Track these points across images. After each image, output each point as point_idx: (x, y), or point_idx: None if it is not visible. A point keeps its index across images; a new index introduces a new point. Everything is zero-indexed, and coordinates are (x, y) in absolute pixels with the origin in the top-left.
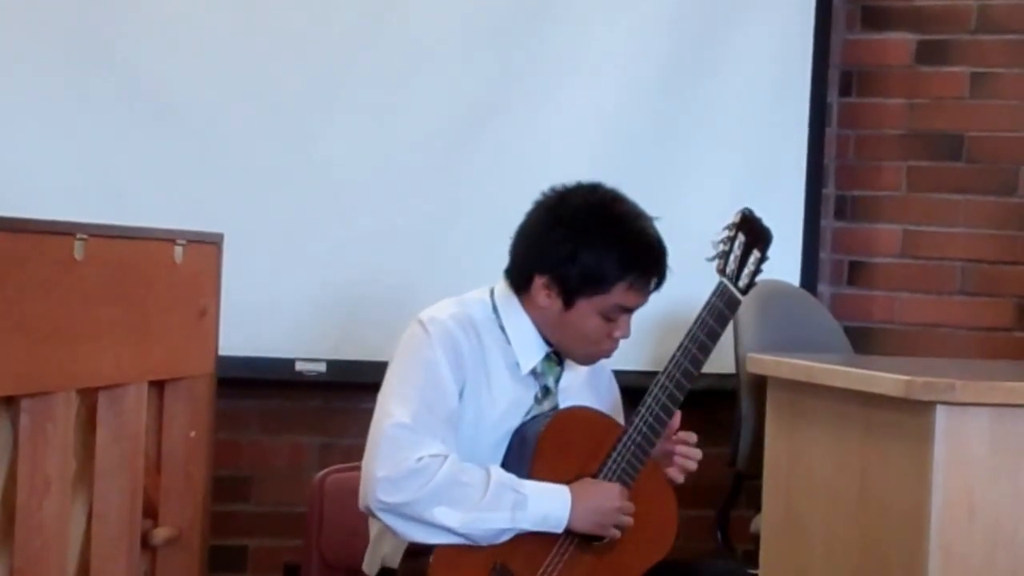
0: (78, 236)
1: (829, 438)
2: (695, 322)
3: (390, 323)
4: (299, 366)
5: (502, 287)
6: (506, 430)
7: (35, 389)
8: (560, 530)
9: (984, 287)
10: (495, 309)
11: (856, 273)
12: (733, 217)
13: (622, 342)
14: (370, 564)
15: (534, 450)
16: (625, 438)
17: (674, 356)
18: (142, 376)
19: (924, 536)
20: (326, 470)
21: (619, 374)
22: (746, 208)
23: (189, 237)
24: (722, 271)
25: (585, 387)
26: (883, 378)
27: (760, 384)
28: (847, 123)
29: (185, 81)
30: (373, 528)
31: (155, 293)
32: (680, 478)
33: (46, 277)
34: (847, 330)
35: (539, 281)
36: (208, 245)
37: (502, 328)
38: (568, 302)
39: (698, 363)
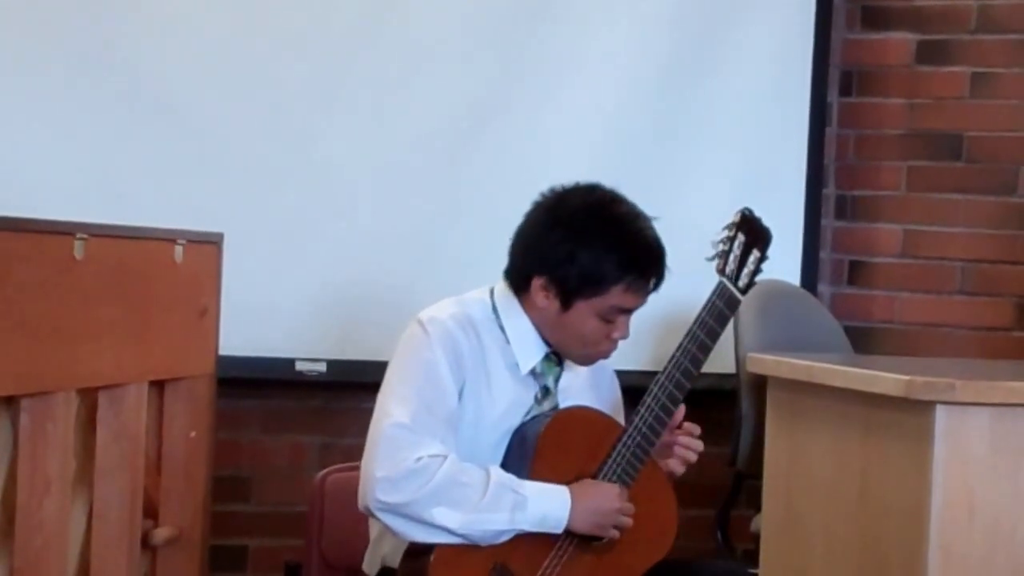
0: (78, 236)
1: (829, 438)
2: (695, 322)
3: (390, 323)
4: (299, 366)
5: (502, 287)
6: (506, 430)
7: (35, 389)
8: (560, 531)
9: (984, 287)
10: (495, 309)
11: (856, 273)
12: (733, 217)
13: (622, 342)
14: (370, 564)
15: (534, 450)
16: (625, 437)
17: (674, 356)
18: (142, 376)
19: (924, 535)
20: (326, 470)
21: (619, 374)
22: (746, 208)
23: (189, 237)
24: (722, 271)
25: (586, 387)
26: (883, 378)
27: (760, 384)
28: (847, 123)
29: (185, 81)
30: (373, 528)
31: (155, 293)
32: (680, 469)
33: (46, 277)
34: (847, 330)
35: (537, 282)
36: (208, 245)
37: (501, 328)
38: (566, 303)
39: (698, 363)
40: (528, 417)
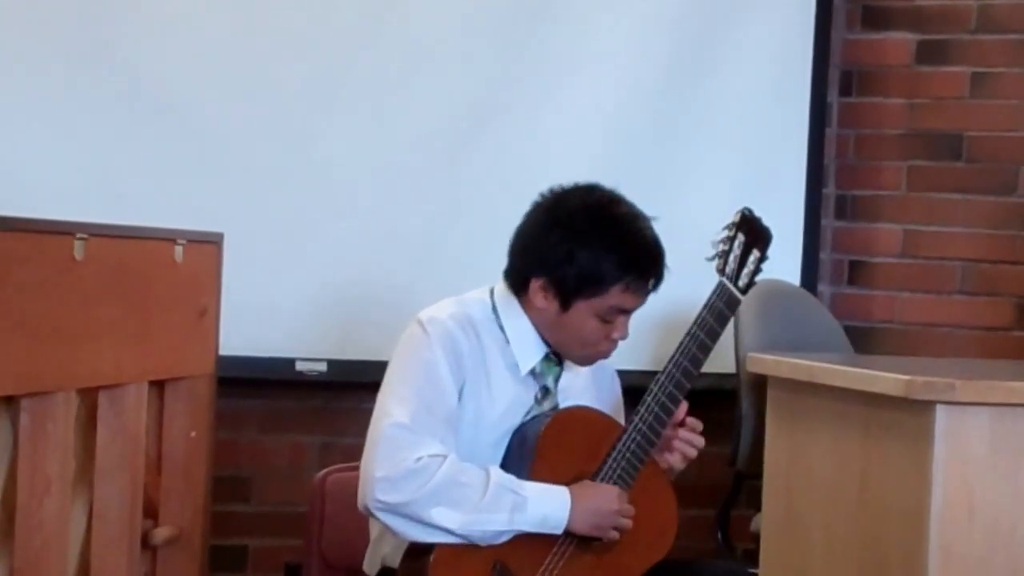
0: (78, 236)
1: (829, 438)
2: (695, 322)
3: (390, 323)
4: (299, 366)
5: (502, 287)
6: (506, 430)
7: (35, 389)
8: (559, 531)
9: (984, 287)
10: (494, 309)
11: (856, 273)
12: (733, 217)
13: (622, 342)
14: (370, 564)
15: (534, 450)
16: (625, 437)
17: (674, 356)
18: (142, 376)
19: (924, 535)
20: (327, 470)
21: (619, 374)
22: (746, 208)
23: (189, 237)
24: (722, 271)
25: (586, 387)
26: (883, 378)
27: (760, 384)
28: (847, 123)
29: (185, 81)
30: (374, 528)
31: (155, 293)
32: (680, 465)
33: (46, 277)
34: (847, 330)
35: (536, 283)
36: (208, 245)
37: (501, 328)
38: (565, 304)
39: (698, 362)
40: (528, 417)
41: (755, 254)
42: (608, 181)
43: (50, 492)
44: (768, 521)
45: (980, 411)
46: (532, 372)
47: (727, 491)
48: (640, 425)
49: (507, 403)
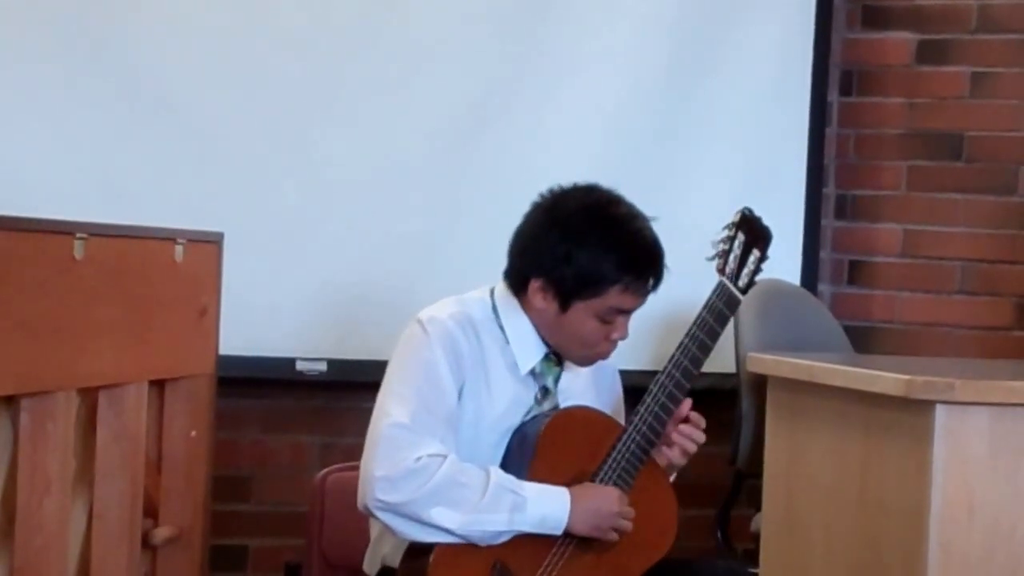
0: (78, 236)
1: (829, 437)
2: (695, 321)
3: (390, 322)
4: (300, 365)
5: (502, 287)
6: (505, 429)
7: (35, 388)
8: (559, 532)
9: (984, 287)
10: (495, 309)
11: (856, 272)
12: (733, 216)
13: (621, 342)
14: (371, 563)
15: (533, 450)
16: (625, 437)
17: (674, 355)
18: (142, 375)
19: (924, 534)
20: (327, 469)
21: (619, 374)
22: (746, 207)
23: (189, 236)
24: (722, 271)
25: (587, 387)
26: (883, 377)
27: (760, 383)
28: (847, 122)
29: (185, 81)
30: (374, 528)
31: (155, 292)
32: (680, 460)
33: (46, 277)
34: (847, 329)
35: (535, 284)
36: (208, 244)
37: (501, 328)
38: (564, 305)
39: (698, 362)
40: (528, 417)
41: (755, 254)
42: (608, 181)
43: (50, 492)
44: (768, 521)
45: (980, 411)
46: (532, 372)
47: (727, 491)
48: (640, 425)
49: (507, 403)
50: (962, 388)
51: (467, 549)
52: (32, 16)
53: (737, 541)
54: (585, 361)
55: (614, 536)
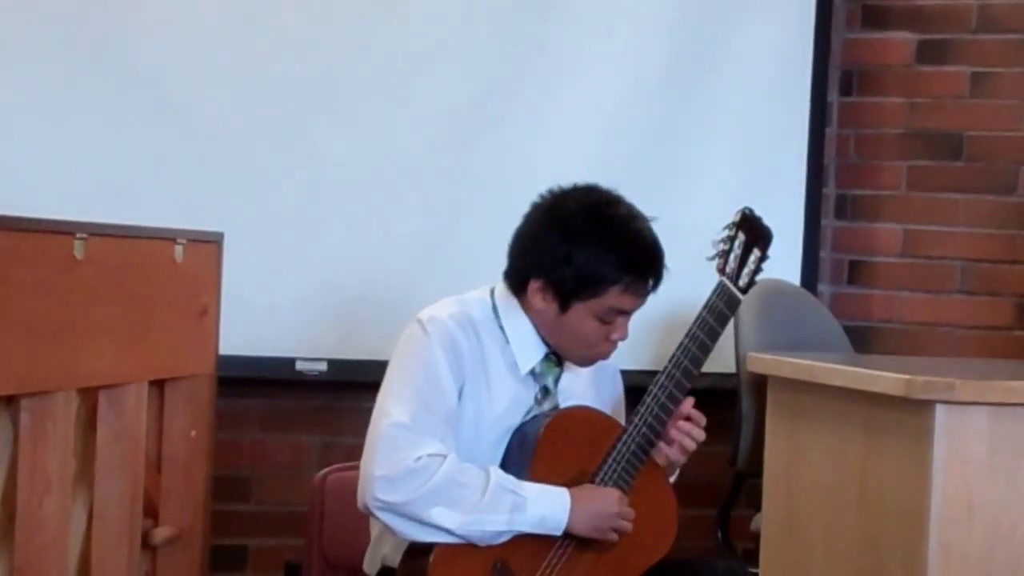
0: (78, 235)
1: (829, 437)
2: (695, 321)
3: (390, 322)
4: (300, 365)
5: (502, 287)
6: (505, 429)
7: (35, 388)
8: (559, 532)
9: (984, 286)
10: (495, 309)
11: (856, 272)
12: (733, 216)
13: (622, 342)
14: (371, 563)
15: (533, 449)
16: (625, 437)
17: (674, 355)
18: (142, 375)
19: (923, 534)
20: (327, 469)
21: (620, 373)
22: (746, 207)
23: (189, 236)
24: (722, 270)
25: (587, 387)
26: (883, 377)
27: (760, 383)
28: (847, 122)
29: (185, 81)
30: (374, 528)
31: (155, 292)
32: (679, 457)
33: (46, 277)
34: (847, 329)
35: (534, 285)
36: (208, 244)
37: (501, 328)
38: (563, 305)
39: (698, 362)
40: (528, 417)
41: (756, 254)
42: (608, 181)
43: (50, 492)
44: (768, 521)
45: (980, 411)
46: (532, 372)
47: (727, 491)
48: (640, 425)
49: (507, 403)
50: (962, 388)
51: (467, 549)
52: (32, 16)
53: (737, 541)
54: (585, 361)
55: (614, 537)
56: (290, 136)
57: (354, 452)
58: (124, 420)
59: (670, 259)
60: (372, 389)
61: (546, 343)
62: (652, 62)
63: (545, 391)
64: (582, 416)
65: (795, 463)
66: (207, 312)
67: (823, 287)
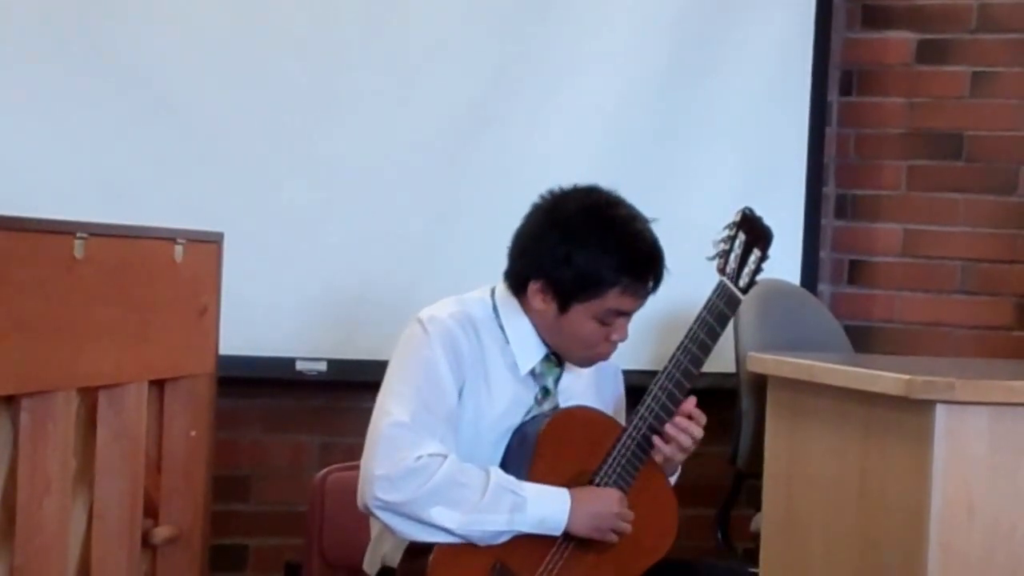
0: (78, 235)
1: (829, 437)
2: (695, 321)
3: (390, 322)
4: (299, 365)
5: (503, 288)
6: (505, 429)
7: (35, 388)
8: (558, 533)
9: (984, 286)
10: (495, 309)
11: (856, 272)
12: (734, 216)
13: (622, 343)
14: (371, 563)
15: (533, 449)
16: (625, 437)
17: (674, 355)
18: (142, 375)
19: (924, 534)
20: (327, 469)
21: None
22: (747, 207)
23: (189, 236)
24: (722, 270)
25: (588, 387)
26: (883, 377)
27: (760, 383)
28: (847, 122)
29: (185, 80)
30: (374, 527)
31: (155, 292)
32: (674, 454)
33: (46, 277)
34: (847, 329)
35: (534, 286)
36: (208, 244)
37: (502, 328)
38: (563, 306)
39: (698, 362)
40: (528, 417)
41: (756, 253)
42: (608, 181)
43: (50, 492)
44: (768, 521)
45: (980, 410)
46: (532, 372)
47: (727, 491)
48: (640, 425)
49: (507, 403)
50: (962, 388)
51: (467, 549)
52: (32, 16)
53: (737, 541)
54: (585, 362)
55: (613, 538)
56: (290, 136)
57: (354, 452)
58: (124, 420)
59: (670, 259)
60: (372, 389)
61: (546, 344)
62: (652, 62)
63: (545, 391)
64: (582, 416)
65: (795, 463)
66: (207, 312)
67: (823, 287)
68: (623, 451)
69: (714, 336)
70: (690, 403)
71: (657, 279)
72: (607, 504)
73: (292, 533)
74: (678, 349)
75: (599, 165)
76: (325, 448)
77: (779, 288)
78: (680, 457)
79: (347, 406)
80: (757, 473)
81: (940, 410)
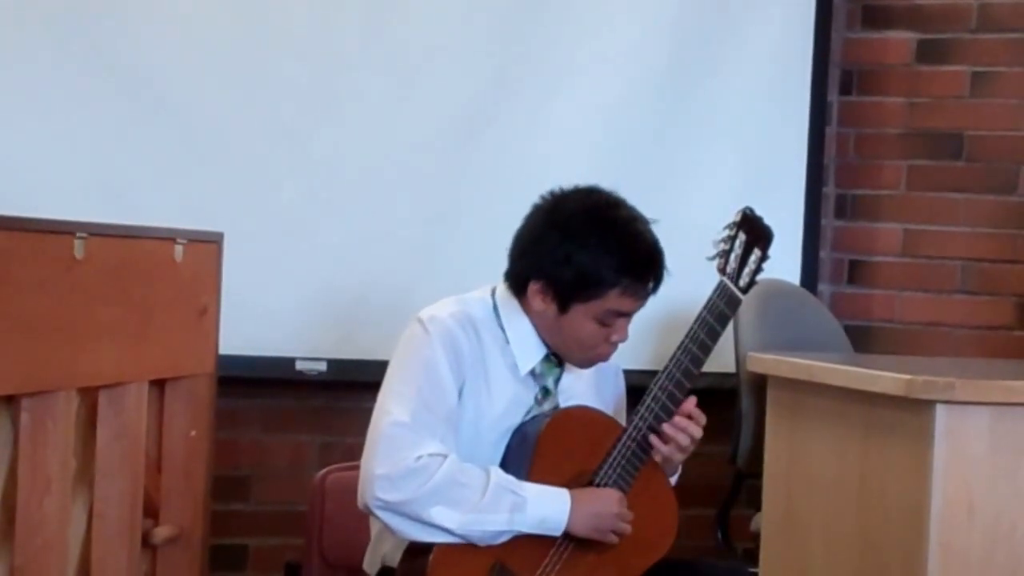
0: (78, 235)
1: (829, 437)
2: (696, 321)
3: (390, 322)
4: (299, 365)
5: (503, 288)
6: (506, 429)
7: (35, 388)
8: (558, 533)
9: (984, 286)
10: (495, 309)
11: (856, 272)
12: (734, 216)
13: (622, 343)
14: (371, 563)
15: (533, 449)
16: (625, 437)
17: (675, 355)
18: (142, 375)
19: (924, 534)
20: (327, 469)
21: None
22: (747, 207)
23: (189, 236)
24: (723, 270)
25: (588, 388)
26: (883, 377)
27: (760, 383)
28: (847, 122)
29: (185, 81)
30: (374, 527)
31: (155, 292)
32: (672, 454)
33: (46, 276)
34: (847, 329)
35: (534, 286)
36: (208, 244)
37: (502, 328)
38: (563, 307)
39: (699, 362)
40: (528, 417)
41: (756, 253)
42: (608, 181)
43: (50, 492)
44: (768, 521)
45: (980, 410)
46: (532, 373)
47: (727, 491)
48: (640, 424)
49: (507, 403)
50: (962, 388)
51: (467, 549)
52: (32, 16)
53: (737, 540)
54: (585, 363)
55: (613, 538)
56: (290, 136)
57: (354, 452)
58: (124, 420)
59: (670, 259)
60: (372, 389)
61: (546, 344)
62: (652, 62)
63: (545, 391)
64: (582, 416)
65: (795, 463)
66: (207, 312)
67: (823, 287)
68: (623, 451)
69: (714, 336)
70: (690, 403)
71: (657, 280)
72: (607, 504)
73: (292, 533)
74: (678, 349)
75: (599, 165)
76: (325, 448)
77: (779, 288)
78: (679, 457)
79: (347, 406)
80: (757, 473)
81: (940, 410)
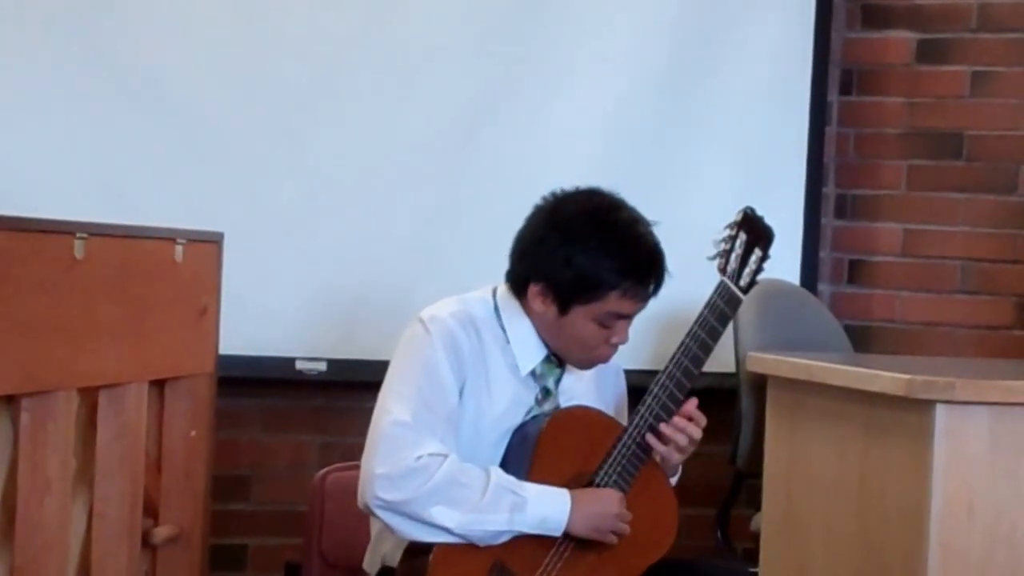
0: (78, 235)
1: (829, 437)
2: (696, 321)
3: (391, 322)
4: (299, 365)
5: (504, 288)
6: (506, 428)
7: (36, 388)
8: (558, 533)
9: (984, 286)
10: (496, 309)
11: (856, 272)
12: (735, 216)
13: (622, 345)
14: (371, 563)
15: (534, 449)
16: (625, 437)
17: (675, 355)
18: (143, 375)
19: (924, 534)
20: (327, 469)
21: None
22: (748, 207)
23: (189, 236)
24: (723, 270)
25: (589, 388)
26: (883, 377)
27: (760, 383)
28: (847, 122)
29: (185, 80)
30: (374, 527)
31: (155, 292)
32: (670, 454)
33: (46, 276)
34: (847, 329)
35: (534, 288)
36: (208, 244)
37: (503, 328)
38: (563, 309)
39: (699, 362)
40: (528, 417)
41: (757, 253)
42: (608, 181)
43: (50, 492)
44: (768, 521)
45: (980, 410)
46: (532, 373)
47: (727, 491)
48: (641, 424)
49: (507, 403)
50: (962, 388)
51: (467, 549)
52: (32, 16)
53: (737, 540)
54: (585, 364)
55: (613, 539)
56: (290, 136)
57: (354, 452)
58: (124, 420)
59: (670, 259)
60: (372, 389)
61: (547, 345)
62: (652, 62)
63: (546, 392)
64: (582, 416)
65: (795, 463)
66: (207, 312)
67: (823, 287)
68: (623, 451)
69: (715, 336)
70: (691, 405)
71: (658, 282)
72: (607, 505)
73: (292, 533)
74: (679, 349)
75: (599, 165)
76: (325, 448)
77: (779, 288)
78: (677, 458)
79: (347, 406)
80: (757, 473)
81: (940, 410)
